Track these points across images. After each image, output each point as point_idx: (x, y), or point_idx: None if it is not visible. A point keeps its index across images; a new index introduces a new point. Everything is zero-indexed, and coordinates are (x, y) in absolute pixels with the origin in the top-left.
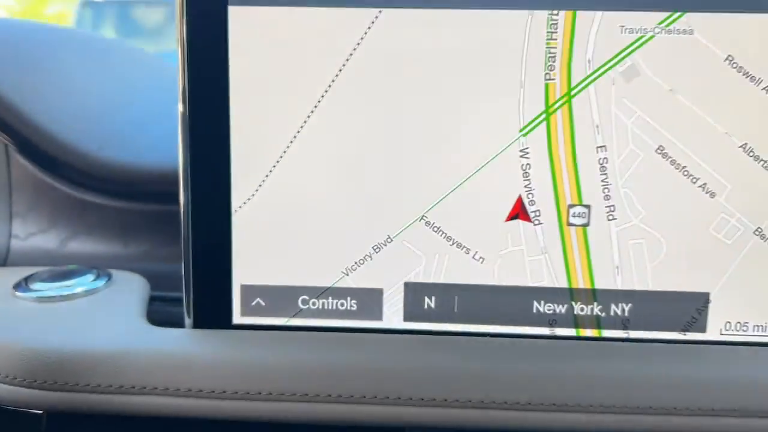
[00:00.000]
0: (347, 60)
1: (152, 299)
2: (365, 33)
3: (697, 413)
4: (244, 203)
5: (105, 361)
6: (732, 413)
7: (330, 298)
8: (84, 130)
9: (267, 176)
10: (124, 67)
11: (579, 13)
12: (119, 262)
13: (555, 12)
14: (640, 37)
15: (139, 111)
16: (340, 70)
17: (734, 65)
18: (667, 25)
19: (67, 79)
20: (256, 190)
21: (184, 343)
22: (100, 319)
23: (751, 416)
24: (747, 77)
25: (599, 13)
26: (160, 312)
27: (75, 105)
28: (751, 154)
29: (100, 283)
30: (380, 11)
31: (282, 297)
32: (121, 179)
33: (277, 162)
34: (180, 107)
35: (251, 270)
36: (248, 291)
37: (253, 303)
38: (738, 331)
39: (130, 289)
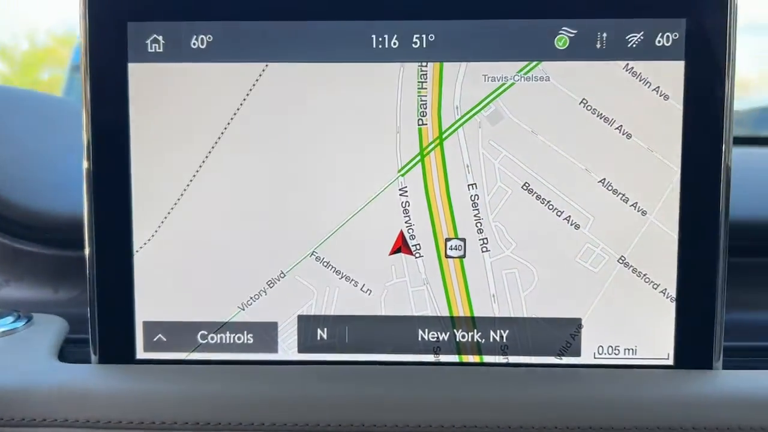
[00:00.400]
0: (238, 109)
1: (74, 341)
2: (253, 85)
3: (573, 431)
4: (144, 244)
5: (10, 395)
6: (608, 430)
7: (227, 332)
8: (16, 182)
9: (165, 219)
10: (59, 122)
11: (445, 64)
12: (50, 307)
13: (424, 64)
14: (502, 85)
15: (70, 163)
16: (232, 119)
17: (588, 107)
18: (526, 73)
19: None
20: (155, 232)
21: (87, 377)
22: (13, 357)
23: None
24: (601, 118)
25: (464, 64)
26: (77, 352)
27: (6, 158)
28: (610, 188)
29: (20, 324)
30: (266, 65)
31: (182, 332)
32: (52, 228)
33: (174, 205)
34: (84, 154)
35: (153, 307)
36: (150, 327)
37: (155, 339)
38: (610, 354)
39: (47, 330)
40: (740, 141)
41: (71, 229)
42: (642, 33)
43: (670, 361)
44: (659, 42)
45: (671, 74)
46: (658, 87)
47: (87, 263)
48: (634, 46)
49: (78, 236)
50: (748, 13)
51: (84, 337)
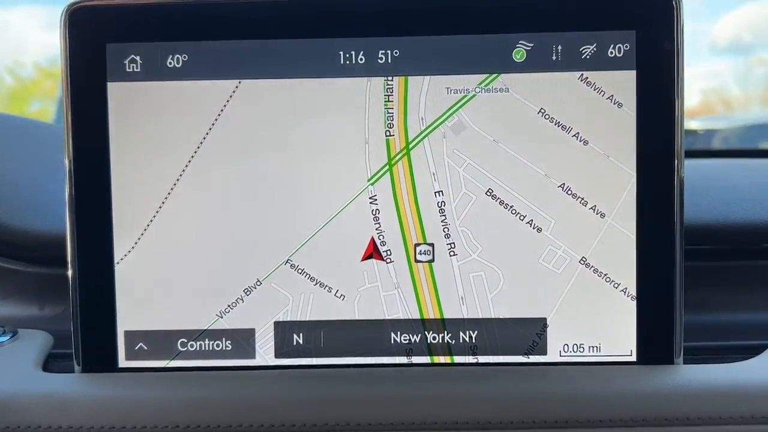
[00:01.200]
0: (213, 124)
1: (59, 355)
2: (228, 100)
3: (542, 426)
4: (125, 256)
5: None
6: (574, 424)
7: (206, 339)
8: (1, 202)
9: (144, 231)
10: (42, 143)
11: (410, 78)
12: (36, 323)
13: (390, 78)
14: (464, 97)
15: (53, 181)
16: (207, 133)
17: (546, 116)
18: (486, 85)
19: None
20: (135, 244)
21: (70, 385)
22: None
23: (588, 426)
24: (558, 126)
25: (427, 78)
26: (61, 364)
27: None
28: (569, 192)
29: (5, 338)
30: (240, 82)
31: (162, 341)
32: (37, 246)
33: (153, 218)
34: (66, 167)
35: (133, 316)
36: (131, 336)
37: (136, 347)
38: (576, 352)
39: (32, 344)
40: (717, 154)
41: (55, 247)
42: (595, 45)
43: (633, 358)
44: (611, 53)
45: (624, 83)
46: (612, 95)
47: (69, 274)
48: (588, 57)
49: (62, 254)
50: (731, 33)
51: (68, 351)
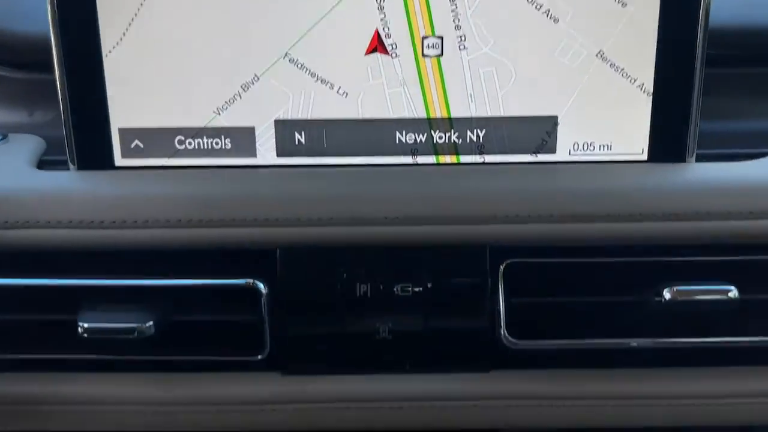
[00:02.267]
0: None
1: (52, 162)
2: None
3: (547, 220)
4: (113, 48)
5: None
6: (581, 219)
7: (205, 137)
8: None
9: (132, 20)
10: None
11: None
12: (26, 129)
13: None
14: None
15: None
16: None
17: None
18: None
19: None
20: (124, 35)
21: (65, 182)
22: None
23: (596, 221)
24: None
25: None
26: (56, 165)
27: None
28: None
29: None
30: None
31: (159, 138)
32: (23, 49)
33: (141, 5)
34: None
35: (128, 113)
36: (126, 133)
37: (132, 145)
38: (585, 151)
39: (24, 146)
40: None
41: (43, 51)
42: None
43: (645, 156)
44: None
45: None
46: None
47: (56, 68)
48: None
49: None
50: None
51: (62, 158)
